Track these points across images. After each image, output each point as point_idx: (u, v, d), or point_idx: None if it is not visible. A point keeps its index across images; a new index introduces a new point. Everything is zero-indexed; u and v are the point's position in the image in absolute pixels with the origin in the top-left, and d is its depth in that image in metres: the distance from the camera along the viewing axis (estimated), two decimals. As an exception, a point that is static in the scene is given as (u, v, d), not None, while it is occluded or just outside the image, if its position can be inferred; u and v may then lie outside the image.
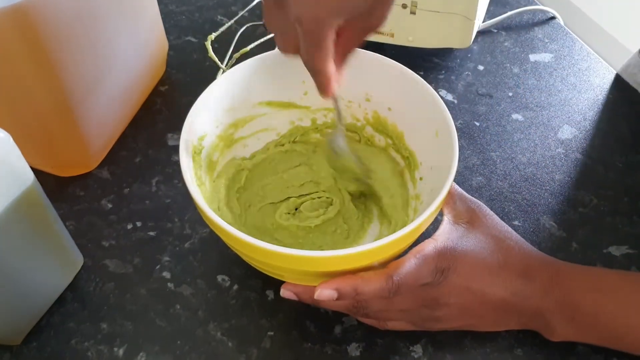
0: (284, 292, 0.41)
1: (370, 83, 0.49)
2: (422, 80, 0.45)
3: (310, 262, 0.37)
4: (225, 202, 0.48)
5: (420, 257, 0.39)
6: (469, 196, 0.45)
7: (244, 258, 0.42)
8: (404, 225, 0.40)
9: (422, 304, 0.40)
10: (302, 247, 0.46)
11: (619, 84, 0.65)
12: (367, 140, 0.52)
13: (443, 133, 0.43)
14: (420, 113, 0.45)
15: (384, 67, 0.47)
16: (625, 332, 0.41)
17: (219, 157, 0.49)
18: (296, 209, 0.50)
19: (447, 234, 0.41)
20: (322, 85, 0.40)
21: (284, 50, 0.42)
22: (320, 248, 0.47)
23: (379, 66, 0.48)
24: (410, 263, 0.39)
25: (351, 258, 0.37)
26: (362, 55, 0.47)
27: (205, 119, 0.46)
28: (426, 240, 0.41)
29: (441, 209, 0.44)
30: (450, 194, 0.44)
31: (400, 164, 0.50)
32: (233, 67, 0.47)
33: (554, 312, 0.41)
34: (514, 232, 0.44)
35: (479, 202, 0.45)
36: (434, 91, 0.44)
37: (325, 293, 0.38)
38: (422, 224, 0.38)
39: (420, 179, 0.47)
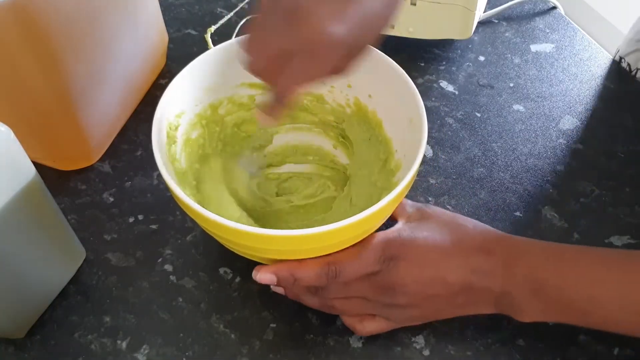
0: (257, 275, 0.41)
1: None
2: (398, 66, 0.45)
3: (268, 240, 0.37)
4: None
5: (364, 246, 0.40)
6: (419, 204, 0.45)
7: (214, 237, 0.42)
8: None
9: (379, 292, 0.41)
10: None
11: (619, 73, 0.65)
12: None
13: (416, 121, 0.42)
14: (397, 100, 0.45)
15: None
16: (591, 306, 0.40)
17: (199, 137, 0.49)
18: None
19: (398, 228, 0.42)
20: (274, 112, 0.38)
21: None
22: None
23: None
24: (350, 251, 0.40)
25: (309, 238, 0.37)
26: None
27: (183, 96, 0.46)
28: (375, 232, 0.41)
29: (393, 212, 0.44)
30: (401, 205, 0.44)
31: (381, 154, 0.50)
32: (212, 48, 0.47)
33: (520, 289, 0.41)
34: (467, 217, 0.44)
35: (428, 204, 0.45)
36: (408, 77, 0.44)
37: (264, 277, 0.40)
38: (384, 208, 0.38)
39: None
